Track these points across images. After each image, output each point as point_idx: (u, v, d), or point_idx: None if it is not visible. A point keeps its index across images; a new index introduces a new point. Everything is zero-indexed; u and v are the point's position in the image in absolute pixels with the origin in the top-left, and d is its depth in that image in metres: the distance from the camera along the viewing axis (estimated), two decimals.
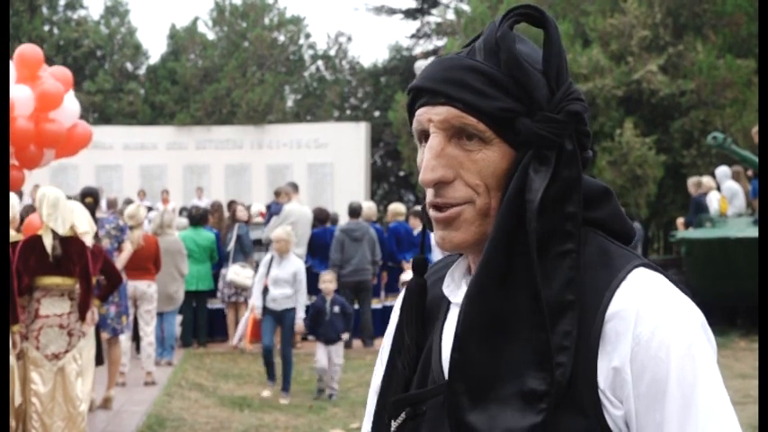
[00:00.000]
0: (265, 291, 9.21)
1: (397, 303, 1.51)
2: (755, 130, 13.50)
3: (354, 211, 12.54)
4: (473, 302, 1.30)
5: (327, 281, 9.25)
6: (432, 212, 1.36)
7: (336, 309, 9.07)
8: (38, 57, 8.49)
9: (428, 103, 1.35)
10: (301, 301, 9.20)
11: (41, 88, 8.22)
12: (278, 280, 9.14)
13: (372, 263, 12.26)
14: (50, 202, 6.48)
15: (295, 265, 9.26)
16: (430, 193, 1.35)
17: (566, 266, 1.28)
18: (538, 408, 1.24)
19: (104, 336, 8.65)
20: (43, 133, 8.22)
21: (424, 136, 1.36)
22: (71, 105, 8.59)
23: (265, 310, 9.21)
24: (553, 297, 1.26)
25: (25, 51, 8.49)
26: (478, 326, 1.29)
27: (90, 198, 8.87)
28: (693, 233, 13.79)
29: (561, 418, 1.24)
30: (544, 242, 1.28)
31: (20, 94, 7.99)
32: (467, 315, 1.30)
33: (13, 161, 8.30)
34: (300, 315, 9.17)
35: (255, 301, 9.40)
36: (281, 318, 9.23)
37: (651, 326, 1.24)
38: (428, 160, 1.33)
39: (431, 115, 1.34)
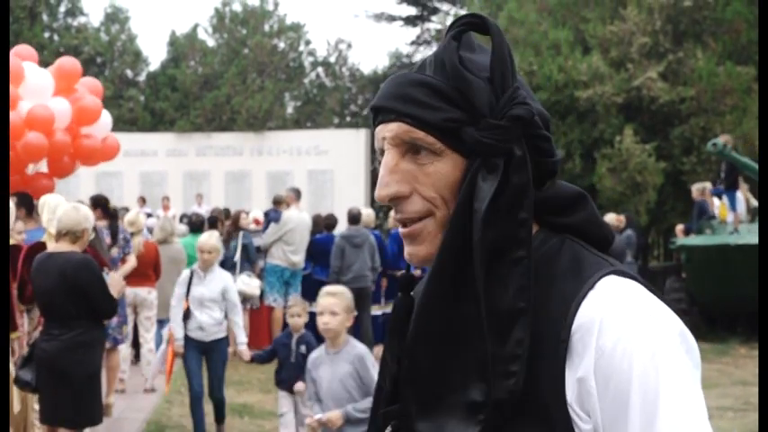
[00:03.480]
0: (186, 316, 7.48)
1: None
2: (727, 138, 13.48)
3: (354, 218, 12.55)
4: (423, 312, 1.30)
5: (296, 314, 6.86)
6: (399, 229, 1.38)
7: (303, 349, 6.70)
8: (76, 69, 8.57)
9: (382, 120, 1.36)
10: (239, 323, 7.63)
11: (80, 103, 8.29)
12: (203, 300, 7.44)
13: (372, 269, 12.27)
14: (51, 209, 6.51)
15: (223, 279, 7.59)
16: (393, 210, 1.36)
17: (518, 273, 1.27)
18: (476, 419, 1.23)
19: (106, 345, 8.67)
20: (79, 148, 8.30)
21: (383, 153, 1.37)
22: (104, 118, 8.67)
23: (188, 341, 7.47)
24: (505, 305, 1.25)
25: (64, 64, 8.58)
26: (429, 335, 1.29)
27: (105, 201, 9.05)
28: (693, 240, 13.80)
29: None
30: (497, 250, 1.27)
31: (59, 107, 8.06)
32: (418, 324, 1.31)
33: (43, 169, 8.38)
34: (242, 340, 7.57)
35: (175, 330, 7.53)
36: (210, 351, 7.54)
37: (614, 336, 1.22)
38: (382, 177, 1.34)
39: (384, 132, 1.36)
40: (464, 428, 1.23)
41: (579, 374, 1.22)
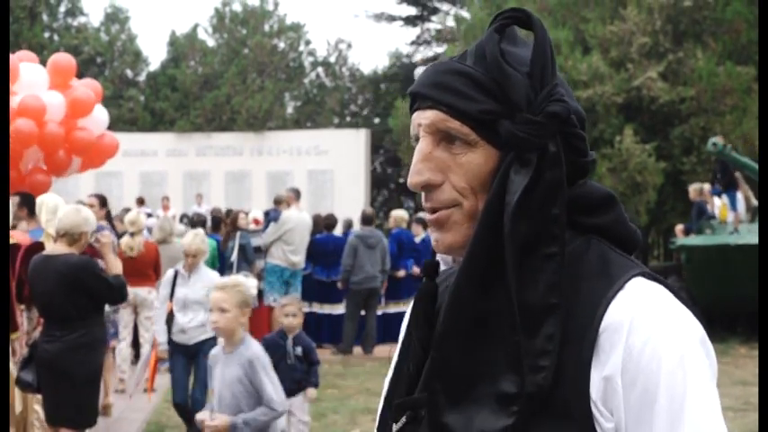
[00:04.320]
0: (170, 319, 7.14)
1: (409, 307, 1.52)
2: (720, 138, 13.48)
3: (368, 219, 12.62)
4: (454, 305, 1.30)
5: (291, 314, 6.43)
6: (426, 216, 1.38)
7: (299, 351, 6.42)
8: (71, 66, 8.60)
9: (419, 107, 1.37)
10: None
11: (73, 95, 8.30)
12: (187, 302, 7.07)
13: (382, 271, 12.31)
14: (50, 209, 6.52)
15: (210, 280, 6.98)
16: (423, 197, 1.37)
17: (550, 270, 1.27)
18: (510, 410, 1.23)
19: (114, 344, 8.72)
20: (73, 140, 8.29)
21: (418, 140, 1.38)
22: (100, 115, 8.66)
23: (172, 345, 7.14)
24: (537, 300, 1.26)
25: (59, 60, 8.59)
26: (460, 326, 1.30)
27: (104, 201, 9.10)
28: (693, 240, 13.80)
29: (547, 430, 1.24)
30: (530, 245, 1.28)
31: (52, 100, 8.07)
32: (448, 317, 1.31)
33: (41, 165, 8.37)
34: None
35: (159, 334, 7.21)
36: (195, 354, 7.12)
37: (644, 337, 1.23)
38: (415, 164, 1.35)
39: (420, 119, 1.36)
40: (495, 420, 1.24)
41: (605, 373, 1.23)
